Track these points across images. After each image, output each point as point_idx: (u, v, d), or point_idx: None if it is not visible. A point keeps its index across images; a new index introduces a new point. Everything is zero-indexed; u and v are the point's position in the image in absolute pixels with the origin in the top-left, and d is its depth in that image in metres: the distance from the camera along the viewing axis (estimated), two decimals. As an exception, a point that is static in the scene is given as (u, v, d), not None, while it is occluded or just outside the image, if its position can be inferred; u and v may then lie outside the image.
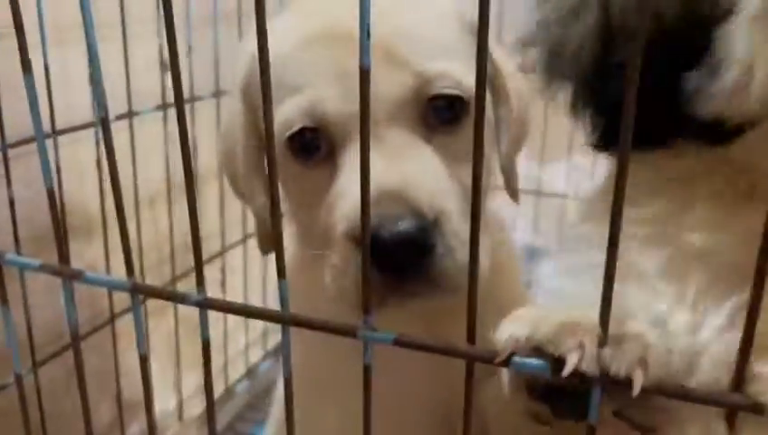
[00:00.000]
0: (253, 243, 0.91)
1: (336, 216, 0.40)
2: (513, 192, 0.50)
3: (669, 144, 0.34)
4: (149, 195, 0.84)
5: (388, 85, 0.40)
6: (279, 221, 0.32)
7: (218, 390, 1.01)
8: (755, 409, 0.27)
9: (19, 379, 0.42)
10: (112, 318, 0.76)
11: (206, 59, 0.85)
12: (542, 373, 0.29)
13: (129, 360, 0.84)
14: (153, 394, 0.85)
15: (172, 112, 0.82)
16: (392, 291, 0.37)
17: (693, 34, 0.28)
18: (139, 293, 0.35)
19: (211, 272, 0.96)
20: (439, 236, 0.37)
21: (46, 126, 0.64)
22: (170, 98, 0.81)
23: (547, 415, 0.32)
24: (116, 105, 0.75)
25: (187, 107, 0.82)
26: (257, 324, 1.06)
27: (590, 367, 0.27)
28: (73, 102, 0.71)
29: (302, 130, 0.42)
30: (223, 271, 0.97)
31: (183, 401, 0.92)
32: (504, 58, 0.47)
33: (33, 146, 0.37)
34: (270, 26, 0.46)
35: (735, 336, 0.25)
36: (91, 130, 0.71)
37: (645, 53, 0.22)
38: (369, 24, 0.27)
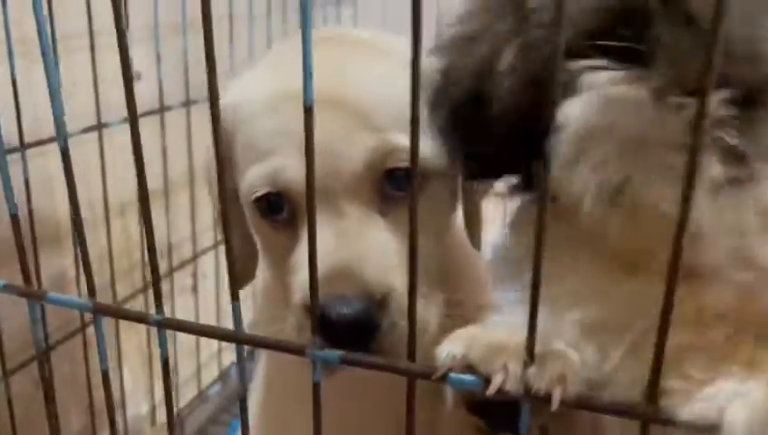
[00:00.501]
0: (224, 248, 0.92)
1: (293, 283, 0.42)
2: (476, 243, 0.51)
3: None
4: (121, 203, 0.85)
5: (349, 157, 0.41)
6: (231, 249, 0.34)
7: (191, 393, 1.03)
8: (667, 421, 0.29)
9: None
10: (83, 327, 0.77)
11: (176, 67, 0.86)
12: (473, 390, 0.31)
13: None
14: (117, 405, 0.86)
15: (141, 122, 0.83)
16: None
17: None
18: (100, 313, 0.37)
19: (183, 277, 0.98)
20: (386, 314, 0.39)
21: (14, 140, 0.65)
22: (140, 108, 0.82)
23: (485, 428, 0.35)
24: (88, 115, 0.76)
25: (157, 116, 0.84)
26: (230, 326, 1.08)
27: (513, 386, 0.29)
28: (42, 115, 0.72)
29: (267, 194, 0.44)
30: (194, 276, 0.98)
31: (155, 406, 0.93)
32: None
33: None
34: (243, 81, 0.48)
35: (644, 357, 0.27)
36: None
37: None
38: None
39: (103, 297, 0.82)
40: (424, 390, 0.36)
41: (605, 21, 0.30)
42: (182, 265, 0.95)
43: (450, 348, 0.32)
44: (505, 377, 0.30)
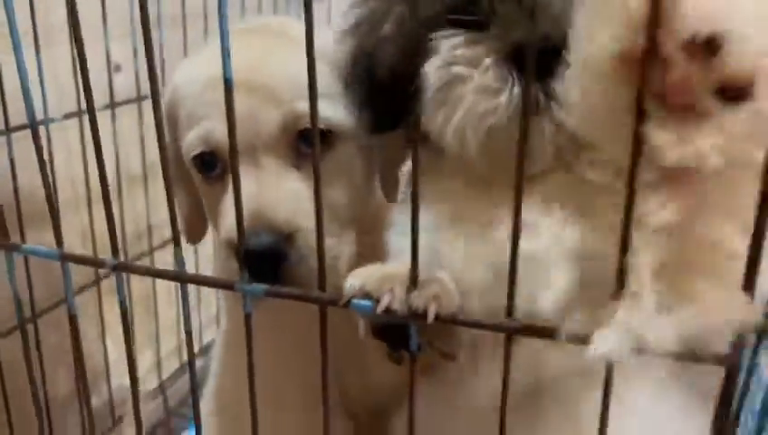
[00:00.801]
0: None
1: (221, 226, 0.51)
2: (390, 198, 0.59)
3: None
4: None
5: (266, 122, 0.50)
6: (172, 202, 0.41)
7: (173, 366, 1.10)
8: (525, 331, 0.35)
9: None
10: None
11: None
12: (369, 313, 0.37)
13: (89, 336, 0.91)
14: (101, 375, 0.92)
15: (119, 111, 0.89)
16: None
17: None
18: (67, 260, 0.44)
19: (164, 256, 1.05)
20: (293, 248, 0.48)
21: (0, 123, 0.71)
22: (118, 96, 0.89)
23: (389, 351, 0.41)
24: (69, 103, 0.82)
25: (134, 106, 0.91)
26: (211, 306, 1.14)
27: (399, 307, 0.36)
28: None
29: (201, 153, 0.53)
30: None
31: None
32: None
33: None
34: (184, 67, 0.56)
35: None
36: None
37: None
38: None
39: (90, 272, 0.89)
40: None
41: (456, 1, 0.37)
42: (163, 244, 1.01)
43: (352, 281, 0.38)
44: (391, 299, 0.36)
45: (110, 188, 0.43)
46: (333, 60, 0.50)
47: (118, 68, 0.94)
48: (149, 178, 0.96)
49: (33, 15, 0.73)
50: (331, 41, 0.50)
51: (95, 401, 0.94)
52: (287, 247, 0.47)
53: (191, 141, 0.52)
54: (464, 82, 0.36)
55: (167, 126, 0.56)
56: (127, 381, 1.00)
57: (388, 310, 0.36)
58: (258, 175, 0.50)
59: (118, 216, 0.93)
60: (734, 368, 0.33)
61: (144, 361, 1.02)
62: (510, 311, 0.35)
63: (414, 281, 0.36)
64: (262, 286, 0.40)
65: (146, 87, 0.91)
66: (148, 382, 1.03)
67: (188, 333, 0.43)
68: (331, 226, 0.51)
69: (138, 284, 0.99)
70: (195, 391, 0.45)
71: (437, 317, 0.36)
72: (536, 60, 0.30)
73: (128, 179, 0.93)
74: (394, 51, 0.39)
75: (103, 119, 0.87)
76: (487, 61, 0.35)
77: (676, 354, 0.30)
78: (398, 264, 0.39)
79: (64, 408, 0.89)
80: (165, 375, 1.08)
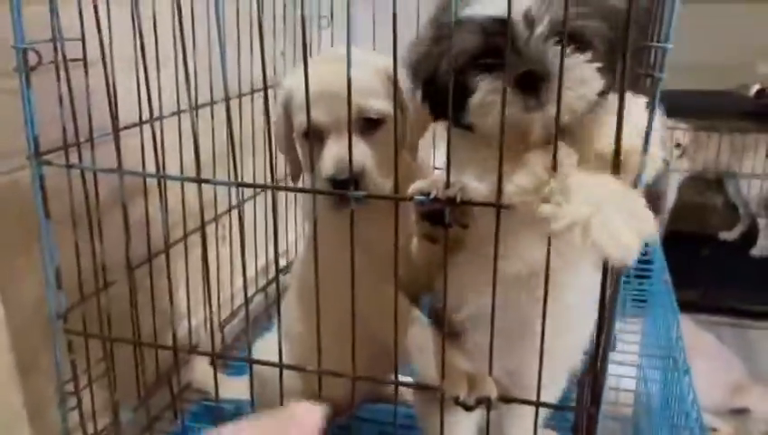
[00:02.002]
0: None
1: (320, 168, 0.86)
2: (414, 158, 0.95)
3: None
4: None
5: (344, 112, 0.80)
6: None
7: (236, 303, 1.41)
8: (503, 206, 0.69)
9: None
10: (167, 248, 1.13)
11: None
12: (423, 202, 0.71)
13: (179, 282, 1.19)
14: (181, 316, 1.21)
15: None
16: (343, 203, 0.79)
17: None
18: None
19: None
20: (362, 178, 0.84)
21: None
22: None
23: (429, 229, 0.74)
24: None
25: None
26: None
27: (441, 195, 0.69)
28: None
29: (307, 129, 0.86)
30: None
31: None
32: (405, 87, 0.89)
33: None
34: (295, 75, 0.90)
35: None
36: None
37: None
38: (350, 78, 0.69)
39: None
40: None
41: (482, 51, 0.69)
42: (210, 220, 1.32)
43: (414, 186, 0.72)
44: (437, 192, 0.70)
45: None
46: (383, 70, 0.86)
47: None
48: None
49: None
50: (378, 61, 0.87)
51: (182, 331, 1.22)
52: (360, 179, 0.84)
53: (302, 122, 0.88)
54: (492, 101, 0.67)
55: (283, 110, 0.92)
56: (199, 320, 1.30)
57: (435, 198, 0.70)
58: (342, 141, 0.83)
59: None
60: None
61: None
62: (499, 196, 0.68)
63: (448, 183, 0.70)
64: (362, 192, 0.73)
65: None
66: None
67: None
68: (380, 170, 0.85)
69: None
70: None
71: (462, 201, 0.69)
72: (528, 83, 0.64)
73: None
74: (446, 81, 0.69)
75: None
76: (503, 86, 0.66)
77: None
78: (436, 175, 0.73)
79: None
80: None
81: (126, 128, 0.93)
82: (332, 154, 0.85)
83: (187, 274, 1.18)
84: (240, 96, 1.29)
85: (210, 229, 1.29)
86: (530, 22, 0.66)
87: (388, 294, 0.82)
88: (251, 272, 1.46)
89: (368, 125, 0.87)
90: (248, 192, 1.33)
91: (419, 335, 0.84)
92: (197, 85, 0.78)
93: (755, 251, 2.88)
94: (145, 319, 0.98)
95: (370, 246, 0.85)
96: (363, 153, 0.85)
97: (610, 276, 0.68)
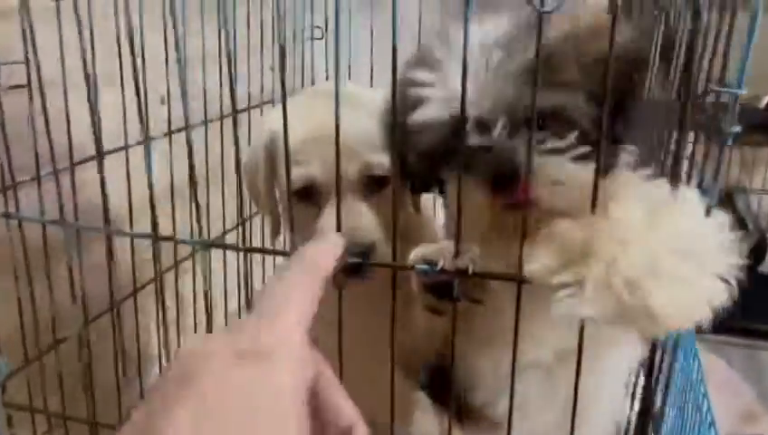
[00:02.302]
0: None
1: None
2: (417, 209, 0.83)
3: None
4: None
5: (348, 169, 0.71)
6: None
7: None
8: (524, 280, 0.56)
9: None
10: (134, 291, 1.01)
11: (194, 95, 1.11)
12: (427, 272, 0.58)
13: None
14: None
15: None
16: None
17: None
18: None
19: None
20: (371, 253, 0.71)
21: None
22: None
23: (435, 302, 0.62)
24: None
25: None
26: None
27: (449, 266, 0.56)
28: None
29: (303, 187, 0.74)
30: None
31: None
32: None
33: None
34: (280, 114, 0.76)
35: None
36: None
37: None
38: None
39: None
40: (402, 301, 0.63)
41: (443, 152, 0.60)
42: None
43: (415, 252, 0.59)
44: (444, 262, 0.57)
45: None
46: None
47: (162, 100, 1.12)
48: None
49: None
50: (379, 99, 0.72)
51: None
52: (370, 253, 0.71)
53: (295, 178, 0.73)
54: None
55: (265, 155, 0.78)
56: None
57: (442, 269, 0.57)
58: (344, 206, 0.67)
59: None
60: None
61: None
62: (520, 268, 0.56)
63: (457, 251, 0.57)
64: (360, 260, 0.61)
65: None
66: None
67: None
68: (387, 232, 0.73)
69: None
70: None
71: (474, 273, 0.56)
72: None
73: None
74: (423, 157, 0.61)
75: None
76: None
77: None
78: (442, 242, 0.60)
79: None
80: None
81: (65, 169, 0.79)
82: (333, 225, 0.66)
83: (158, 319, 1.05)
84: (206, 123, 1.12)
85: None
86: (483, 124, 0.58)
87: (384, 373, 0.69)
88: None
89: (373, 184, 0.75)
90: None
91: (423, 423, 0.72)
92: (147, 115, 0.64)
93: (764, 268, 2.77)
94: (107, 373, 0.86)
95: (366, 319, 0.72)
96: (372, 224, 0.73)
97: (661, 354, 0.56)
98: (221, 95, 1.09)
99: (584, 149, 0.56)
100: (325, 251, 0.50)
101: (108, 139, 0.82)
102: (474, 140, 0.58)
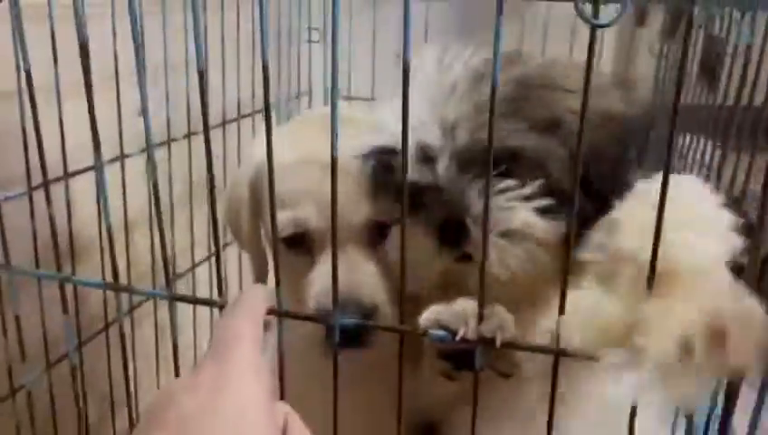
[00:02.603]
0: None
1: (309, 293, 0.60)
2: None
3: None
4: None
5: (352, 218, 0.58)
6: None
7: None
8: (565, 353, 0.45)
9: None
10: (106, 326, 0.90)
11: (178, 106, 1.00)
12: (445, 339, 0.47)
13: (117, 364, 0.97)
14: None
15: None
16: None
17: None
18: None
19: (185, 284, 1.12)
20: (376, 317, 0.57)
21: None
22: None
23: (451, 371, 0.51)
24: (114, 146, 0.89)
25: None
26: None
27: (471, 335, 0.46)
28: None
29: (294, 234, 0.61)
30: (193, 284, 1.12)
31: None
32: None
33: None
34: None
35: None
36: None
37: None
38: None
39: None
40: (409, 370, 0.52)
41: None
42: (179, 275, 1.09)
43: (428, 315, 0.48)
44: (466, 330, 0.46)
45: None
46: None
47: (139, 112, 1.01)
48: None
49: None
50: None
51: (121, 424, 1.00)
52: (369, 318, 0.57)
53: (283, 223, 0.59)
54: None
55: (249, 192, 0.66)
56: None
57: (462, 338, 0.46)
58: (344, 259, 0.56)
59: (144, 247, 1.00)
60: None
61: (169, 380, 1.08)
62: (558, 340, 0.45)
63: (481, 316, 0.46)
64: (354, 320, 0.49)
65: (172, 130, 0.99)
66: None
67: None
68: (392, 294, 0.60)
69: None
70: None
71: (502, 343, 0.46)
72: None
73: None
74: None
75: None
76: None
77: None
78: (461, 302, 0.49)
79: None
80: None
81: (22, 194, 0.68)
82: (327, 284, 0.51)
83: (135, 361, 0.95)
84: (168, 142, 1.01)
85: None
86: (427, 154, 0.51)
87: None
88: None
89: (376, 232, 0.60)
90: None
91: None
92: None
93: (778, 281, 2.67)
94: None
95: (366, 387, 0.61)
96: (375, 282, 0.59)
97: None
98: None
99: (548, 201, 0.50)
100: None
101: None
102: (415, 174, 0.50)
